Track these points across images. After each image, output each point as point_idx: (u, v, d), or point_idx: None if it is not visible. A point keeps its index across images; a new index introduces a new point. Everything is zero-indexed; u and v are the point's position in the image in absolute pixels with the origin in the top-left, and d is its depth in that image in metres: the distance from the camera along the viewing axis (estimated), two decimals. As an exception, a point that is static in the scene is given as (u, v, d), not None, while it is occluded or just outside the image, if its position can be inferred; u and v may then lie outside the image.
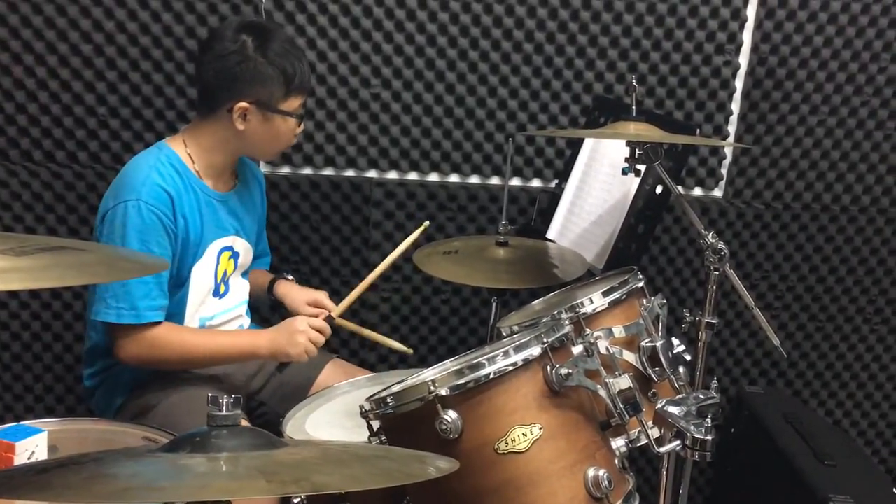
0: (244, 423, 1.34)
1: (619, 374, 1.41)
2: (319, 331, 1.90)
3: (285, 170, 2.49)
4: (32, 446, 1.43)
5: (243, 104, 1.85)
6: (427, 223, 2.09)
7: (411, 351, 2.13)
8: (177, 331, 1.88)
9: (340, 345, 2.59)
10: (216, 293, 2.01)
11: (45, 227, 2.41)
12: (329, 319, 1.96)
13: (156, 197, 1.80)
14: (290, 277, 2.23)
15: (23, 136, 2.37)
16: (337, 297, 2.54)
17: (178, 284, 1.91)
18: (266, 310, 2.36)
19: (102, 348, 1.91)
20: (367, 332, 2.13)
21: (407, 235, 2.48)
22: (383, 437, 1.37)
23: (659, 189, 1.93)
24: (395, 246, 2.49)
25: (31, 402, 2.54)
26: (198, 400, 1.86)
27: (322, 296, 2.10)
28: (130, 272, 1.10)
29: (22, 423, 1.49)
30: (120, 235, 1.78)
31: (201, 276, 1.95)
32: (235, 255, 2.05)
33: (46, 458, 1.45)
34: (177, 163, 1.89)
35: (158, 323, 1.83)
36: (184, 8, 2.32)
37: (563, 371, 1.31)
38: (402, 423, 1.33)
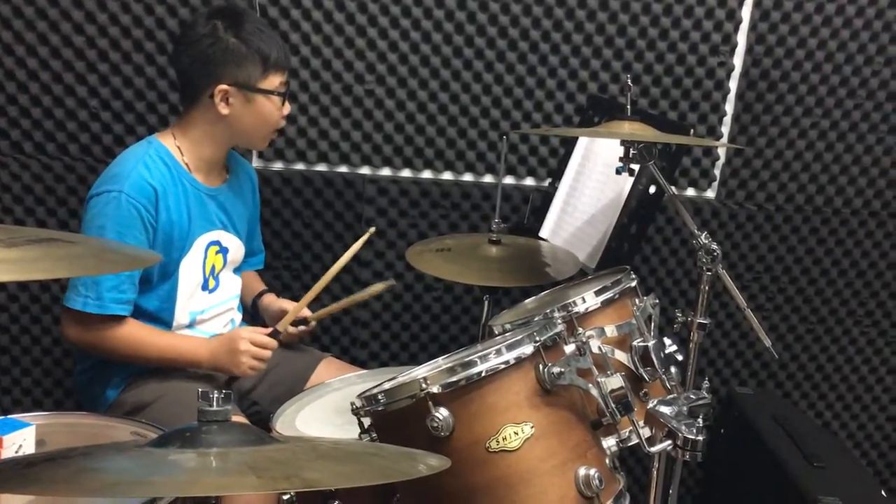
0: (239, 418, 1.34)
1: (611, 374, 1.41)
2: (263, 346, 1.88)
3: (278, 165, 2.48)
4: (20, 440, 1.42)
5: (223, 87, 1.85)
6: (373, 229, 2.04)
7: (393, 282, 2.09)
8: (128, 326, 1.86)
9: (331, 342, 2.59)
10: (205, 287, 2.00)
11: (35, 219, 2.40)
12: (275, 333, 1.92)
13: (138, 190, 1.80)
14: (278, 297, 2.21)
15: (13, 127, 2.35)
16: (328, 293, 2.54)
17: (165, 278, 1.91)
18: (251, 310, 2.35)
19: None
20: (343, 302, 2.07)
21: (399, 233, 2.50)
22: (374, 435, 1.36)
23: (652, 189, 1.93)
24: (388, 243, 2.51)
25: (19, 396, 2.53)
26: (190, 397, 1.85)
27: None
28: (119, 265, 1.09)
29: (9, 416, 1.48)
30: (98, 225, 1.79)
31: (189, 270, 1.94)
32: (224, 251, 2.04)
33: (34, 451, 1.44)
34: (166, 156, 1.89)
35: (119, 317, 1.83)
36: (177, 1, 2.31)
37: (555, 370, 1.30)
38: (393, 421, 1.33)
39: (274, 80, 1.90)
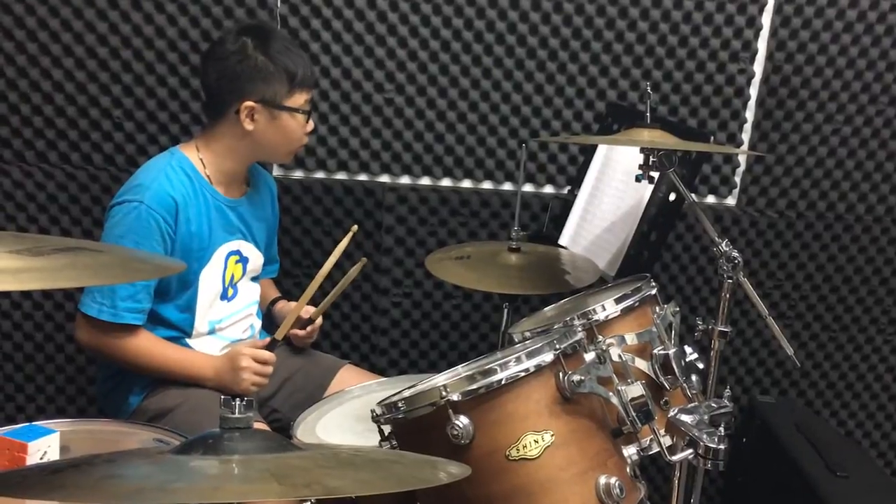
0: (260, 425, 1.35)
1: (632, 382, 1.40)
2: (264, 361, 1.87)
3: (298, 174, 2.49)
4: (45, 446, 1.44)
5: (249, 103, 1.86)
6: (355, 227, 2.02)
7: (365, 260, 2.06)
8: (137, 337, 1.86)
9: (351, 349, 2.59)
10: (224, 297, 2.02)
11: (60, 229, 2.43)
12: (272, 344, 1.91)
13: (159, 202, 1.82)
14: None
15: (38, 137, 2.38)
16: (348, 301, 2.56)
17: (185, 288, 1.92)
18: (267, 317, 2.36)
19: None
20: (335, 292, 2.04)
21: (418, 241, 2.51)
22: (394, 442, 1.36)
23: (672, 196, 1.92)
24: (407, 251, 2.52)
25: (43, 403, 2.55)
26: (211, 404, 1.87)
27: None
28: (145, 273, 1.11)
29: (34, 423, 1.50)
30: (117, 233, 1.81)
31: (209, 280, 1.96)
32: (244, 260, 2.06)
33: (58, 458, 1.46)
34: (188, 168, 1.91)
35: (132, 326, 1.84)
36: (199, 12, 2.33)
37: (576, 378, 1.30)
38: (413, 428, 1.33)
39: (299, 98, 1.91)
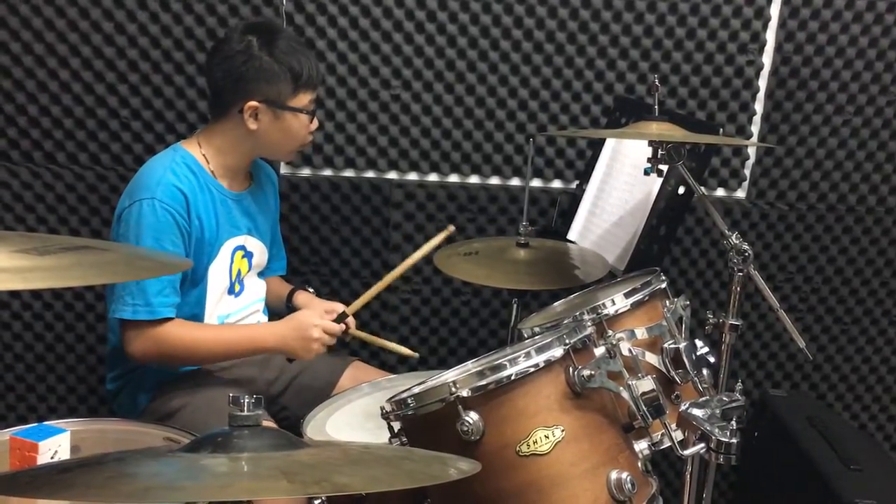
0: (268, 423, 1.35)
1: (642, 376, 1.40)
2: (333, 333, 1.92)
3: (305, 171, 2.49)
4: (55, 446, 1.44)
5: (253, 103, 1.86)
6: (452, 228, 2.07)
7: (417, 355, 2.13)
8: (185, 326, 1.88)
9: (361, 346, 2.59)
10: (231, 291, 2.02)
11: (68, 229, 2.43)
12: (342, 317, 1.96)
13: (170, 196, 1.82)
14: (311, 290, 2.22)
15: (46, 138, 2.39)
16: (355, 299, 2.55)
17: (195, 283, 1.92)
18: (285, 314, 2.35)
19: (123, 351, 1.93)
20: (380, 341, 2.13)
21: (426, 237, 2.49)
22: (404, 439, 1.36)
23: (681, 190, 1.91)
24: (415, 247, 2.51)
25: (54, 403, 2.56)
26: (221, 403, 1.87)
27: (340, 308, 2.09)
28: (151, 271, 1.10)
29: (45, 422, 1.50)
30: (134, 234, 1.80)
31: (217, 275, 1.96)
32: (249, 255, 2.06)
33: (69, 457, 1.46)
34: (192, 163, 1.91)
35: (170, 319, 1.84)
36: (205, 10, 2.33)
37: (586, 372, 1.29)
38: (422, 425, 1.33)
39: (303, 99, 1.91)
